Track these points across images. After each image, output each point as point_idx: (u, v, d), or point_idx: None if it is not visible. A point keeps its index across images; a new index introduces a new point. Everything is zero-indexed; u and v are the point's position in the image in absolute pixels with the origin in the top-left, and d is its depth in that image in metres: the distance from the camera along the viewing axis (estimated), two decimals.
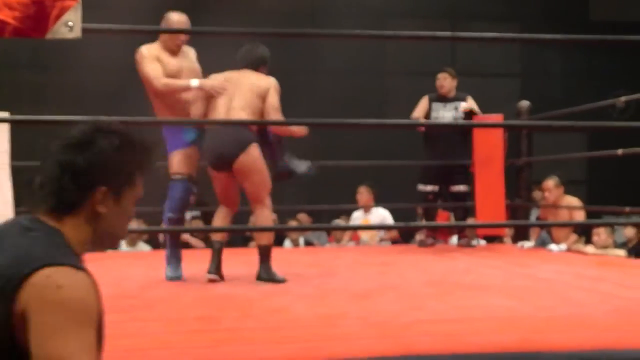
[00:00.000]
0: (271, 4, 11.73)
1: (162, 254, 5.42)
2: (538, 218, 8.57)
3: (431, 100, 7.40)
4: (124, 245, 7.90)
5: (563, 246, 7.05)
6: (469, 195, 7.42)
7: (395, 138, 9.54)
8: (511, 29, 11.83)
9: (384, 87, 12.07)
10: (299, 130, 5.06)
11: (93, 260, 2.10)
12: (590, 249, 7.34)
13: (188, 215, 8.13)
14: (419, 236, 7.71)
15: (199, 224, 8.43)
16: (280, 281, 4.74)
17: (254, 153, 4.81)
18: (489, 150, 7.24)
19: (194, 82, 4.94)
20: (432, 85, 7.44)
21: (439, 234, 7.72)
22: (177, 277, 4.94)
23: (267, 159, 5.01)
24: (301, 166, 5.15)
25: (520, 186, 7.74)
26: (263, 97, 4.88)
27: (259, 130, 4.96)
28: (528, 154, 7.69)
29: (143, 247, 8.27)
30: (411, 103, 7.52)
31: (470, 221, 7.81)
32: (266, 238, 4.89)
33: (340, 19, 10.90)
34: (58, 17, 2.85)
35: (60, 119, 4.33)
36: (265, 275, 4.78)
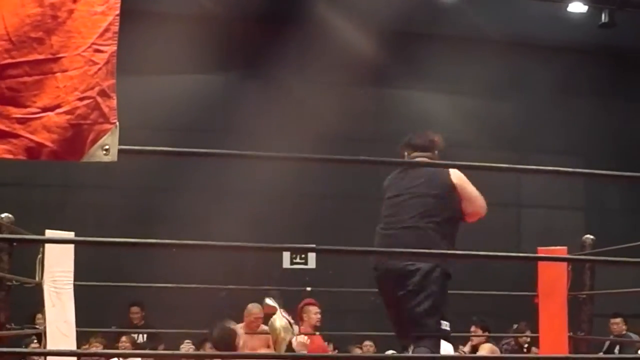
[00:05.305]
0: (333, 128, 11.99)
1: None
2: None
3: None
4: None
5: None
6: None
7: None
8: (575, 163, 11.98)
9: None
10: None
11: None
12: None
13: None
14: None
15: None
16: None
17: None
18: (553, 283, 7.36)
19: None
20: (500, 215, 7.36)
21: None
22: None
23: None
24: None
25: (582, 319, 7.79)
26: None
27: None
28: (590, 288, 7.76)
29: None
30: (473, 233, 7.54)
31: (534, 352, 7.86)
32: None
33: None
34: (95, 140, 2.81)
35: (122, 242, 4.27)
36: None
